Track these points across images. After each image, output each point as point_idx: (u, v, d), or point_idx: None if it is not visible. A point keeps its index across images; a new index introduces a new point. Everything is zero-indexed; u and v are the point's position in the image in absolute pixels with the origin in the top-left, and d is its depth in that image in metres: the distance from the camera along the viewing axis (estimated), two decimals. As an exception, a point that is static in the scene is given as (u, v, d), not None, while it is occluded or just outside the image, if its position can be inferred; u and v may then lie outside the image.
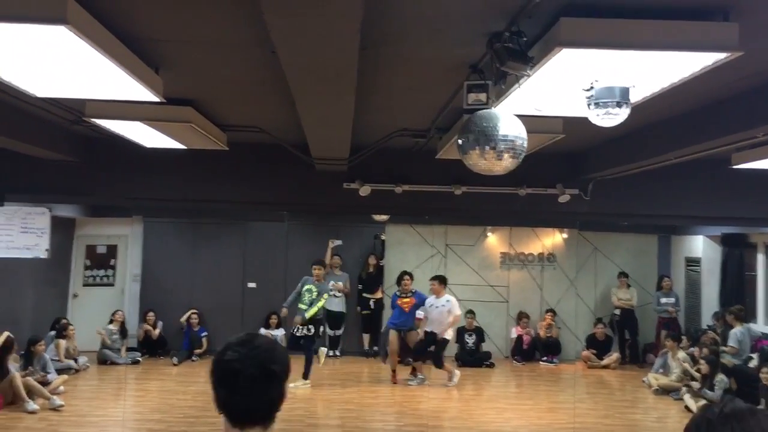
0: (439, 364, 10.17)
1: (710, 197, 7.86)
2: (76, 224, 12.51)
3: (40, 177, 7.73)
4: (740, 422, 1.78)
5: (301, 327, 9.74)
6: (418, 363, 10.31)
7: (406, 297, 10.19)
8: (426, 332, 10.14)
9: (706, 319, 11.80)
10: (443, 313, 10.07)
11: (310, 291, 9.89)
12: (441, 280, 10.34)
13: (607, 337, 12.46)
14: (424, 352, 10.22)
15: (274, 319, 12.02)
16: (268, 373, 1.78)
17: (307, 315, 9.73)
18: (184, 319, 12.03)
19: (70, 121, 6.21)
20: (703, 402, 8.86)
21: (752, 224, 9.56)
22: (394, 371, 10.28)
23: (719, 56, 3.21)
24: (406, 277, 10.37)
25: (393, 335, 10.16)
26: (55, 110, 5.83)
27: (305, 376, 9.75)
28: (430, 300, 10.22)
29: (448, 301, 10.17)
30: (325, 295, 10.06)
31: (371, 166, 7.76)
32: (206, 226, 12.57)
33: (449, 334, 10.34)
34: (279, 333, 11.86)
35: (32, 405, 8.20)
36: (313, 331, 9.80)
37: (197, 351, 11.89)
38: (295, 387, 9.33)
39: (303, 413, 8.52)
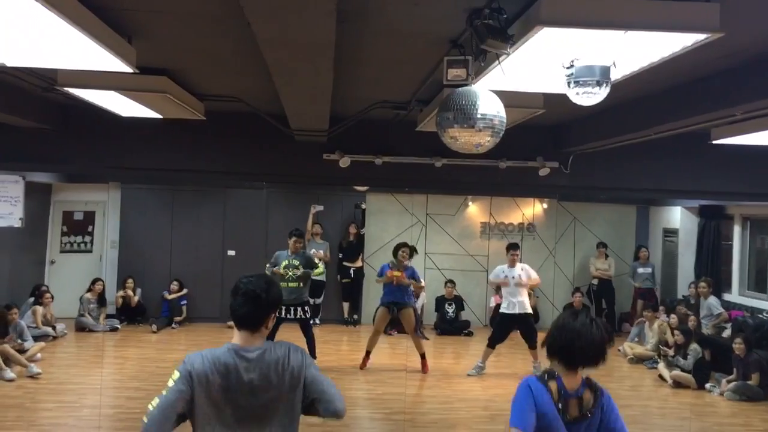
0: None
1: (690, 172, 7.87)
2: (52, 190, 12.36)
3: (14, 144, 7.57)
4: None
5: (295, 307, 8.57)
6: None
7: (398, 271, 8.98)
8: (518, 314, 9.07)
9: (682, 290, 11.97)
10: (524, 280, 9.26)
11: (293, 266, 8.69)
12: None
13: (585, 306, 12.59)
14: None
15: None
16: (255, 296, 2.71)
17: (307, 295, 8.97)
18: (172, 296, 11.97)
19: (42, 88, 6.06)
20: (676, 371, 9.06)
21: (731, 198, 9.65)
22: (368, 353, 9.28)
23: (700, 37, 3.18)
24: (404, 248, 9.10)
25: (383, 313, 9.15)
26: (27, 77, 5.68)
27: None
28: (507, 271, 9.30)
29: (523, 268, 9.36)
30: (321, 264, 9.24)
31: (351, 137, 7.68)
32: (185, 194, 12.45)
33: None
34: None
35: (9, 373, 8.17)
36: (310, 313, 8.96)
37: (177, 319, 11.87)
38: None
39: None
